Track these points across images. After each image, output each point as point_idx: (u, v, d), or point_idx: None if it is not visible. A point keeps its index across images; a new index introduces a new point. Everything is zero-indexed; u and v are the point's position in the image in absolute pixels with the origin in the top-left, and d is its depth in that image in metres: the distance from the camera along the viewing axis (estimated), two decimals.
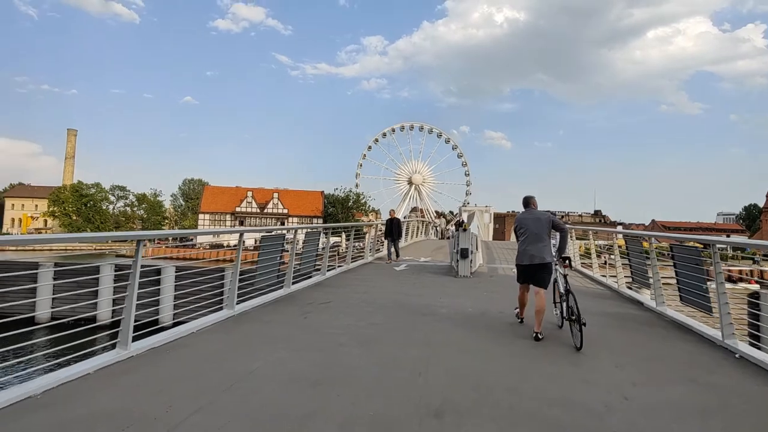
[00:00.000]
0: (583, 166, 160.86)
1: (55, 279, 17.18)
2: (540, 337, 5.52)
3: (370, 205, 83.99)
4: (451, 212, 79.58)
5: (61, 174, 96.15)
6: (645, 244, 8.56)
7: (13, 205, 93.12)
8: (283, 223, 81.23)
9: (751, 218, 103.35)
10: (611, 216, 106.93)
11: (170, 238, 63.14)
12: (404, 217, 53.19)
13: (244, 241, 6.96)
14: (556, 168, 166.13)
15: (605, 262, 12.22)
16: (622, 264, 9.42)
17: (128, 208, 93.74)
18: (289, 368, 4.24)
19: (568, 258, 6.00)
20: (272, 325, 5.97)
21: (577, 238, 13.97)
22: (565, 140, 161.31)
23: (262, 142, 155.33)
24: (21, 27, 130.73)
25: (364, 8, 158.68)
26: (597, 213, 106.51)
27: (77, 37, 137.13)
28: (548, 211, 6.13)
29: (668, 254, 7.04)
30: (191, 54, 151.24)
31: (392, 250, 14.43)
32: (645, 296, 8.20)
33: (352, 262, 12.80)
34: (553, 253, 5.97)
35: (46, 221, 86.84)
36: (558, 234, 6.03)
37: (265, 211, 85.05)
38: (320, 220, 78.83)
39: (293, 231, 10.59)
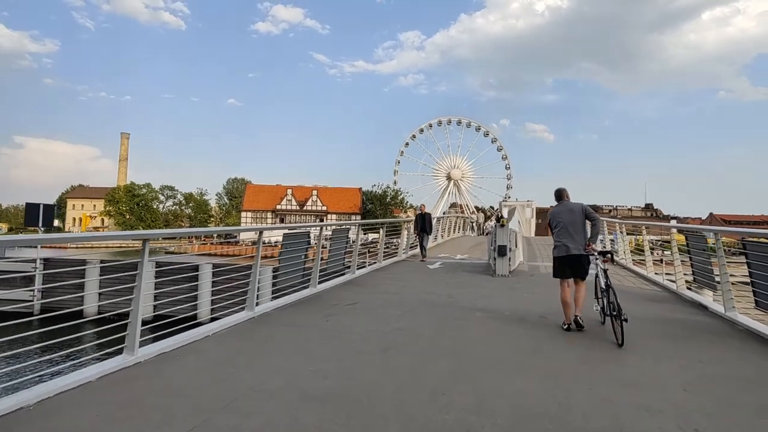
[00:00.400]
0: (632, 158, 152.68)
1: (101, 275, 17.80)
2: (581, 321, 5.55)
3: (407, 202, 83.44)
4: (491, 207, 77.40)
5: (116, 175, 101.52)
6: (709, 240, 7.59)
7: (74, 205, 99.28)
8: (321, 220, 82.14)
9: None
10: (664, 209, 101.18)
11: (215, 236, 65.25)
12: (444, 213, 52.41)
13: (270, 239, 6.64)
14: (602, 160, 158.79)
15: (661, 260, 11.14)
16: (681, 261, 8.44)
17: (177, 207, 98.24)
18: (299, 382, 3.82)
19: (609, 252, 5.84)
20: (291, 330, 5.59)
21: (627, 233, 12.87)
22: (612, 131, 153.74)
23: (302, 141, 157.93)
24: (80, 38, 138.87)
25: (401, 3, 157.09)
26: (648, 206, 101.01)
27: (129, 45, 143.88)
28: (581, 203, 6.05)
29: (738, 251, 6.16)
30: (234, 57, 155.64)
31: (425, 245, 13.84)
32: (708, 299, 7.24)
33: (384, 259, 12.34)
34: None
35: (103, 220, 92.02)
36: (590, 224, 5.88)
37: (305, 208, 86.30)
38: (358, 217, 79.00)
39: (320, 228, 10.27)
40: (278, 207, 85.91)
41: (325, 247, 8.79)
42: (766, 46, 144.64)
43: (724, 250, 6.36)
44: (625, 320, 4.85)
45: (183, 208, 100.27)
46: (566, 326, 5.65)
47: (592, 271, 5.75)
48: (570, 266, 5.81)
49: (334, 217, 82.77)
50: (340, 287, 8.48)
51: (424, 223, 13.59)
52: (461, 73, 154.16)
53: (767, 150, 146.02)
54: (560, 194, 6.15)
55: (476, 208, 77.93)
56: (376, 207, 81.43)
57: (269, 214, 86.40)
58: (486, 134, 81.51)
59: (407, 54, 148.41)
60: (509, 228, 10.18)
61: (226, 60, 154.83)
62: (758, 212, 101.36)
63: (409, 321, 5.97)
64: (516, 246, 11.61)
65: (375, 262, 11.84)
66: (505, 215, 11.16)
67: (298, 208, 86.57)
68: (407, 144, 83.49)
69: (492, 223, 21.71)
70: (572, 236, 5.78)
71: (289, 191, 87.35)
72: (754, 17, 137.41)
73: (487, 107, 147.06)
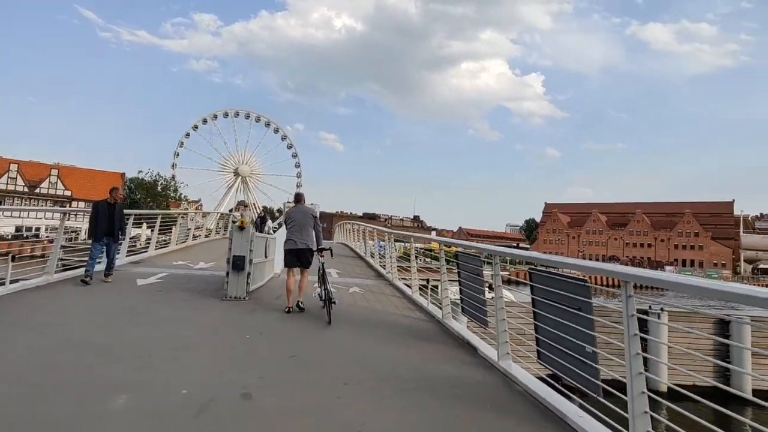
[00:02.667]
0: (406, 174, 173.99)
1: None
2: (302, 305, 6.67)
3: (183, 194, 73.22)
4: (265, 207, 74.09)
5: None
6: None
7: None
8: (63, 207, 64.73)
9: (530, 229, 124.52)
10: (427, 221, 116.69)
11: None
12: (229, 211, 46.44)
13: None
14: (382, 174, 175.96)
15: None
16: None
17: None
18: None
19: (323, 248, 6.94)
20: None
21: (395, 241, 11.80)
22: (392, 149, 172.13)
23: (54, 111, 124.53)
24: None
25: None
26: (416, 218, 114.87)
27: None
28: (312, 206, 7.61)
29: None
30: None
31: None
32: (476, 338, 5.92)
33: (60, 271, 8.05)
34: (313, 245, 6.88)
35: None
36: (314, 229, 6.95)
37: (38, 190, 66.93)
38: None
39: None
40: None
41: None
42: (501, 99, 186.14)
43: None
44: (334, 303, 6.19)
45: None
46: (287, 310, 6.59)
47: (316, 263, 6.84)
48: (297, 257, 6.85)
49: (82, 204, 66.31)
50: None
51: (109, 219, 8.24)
52: (259, 69, 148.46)
53: (496, 180, 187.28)
54: (298, 198, 7.39)
55: (264, 207, 73.67)
56: (143, 198, 68.51)
57: None
58: (276, 131, 77.77)
59: (201, 37, 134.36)
60: (252, 232, 7.43)
61: None
62: (490, 228, 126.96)
63: None
64: (267, 256, 8.97)
65: (42, 273, 7.49)
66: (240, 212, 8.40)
67: (27, 189, 66.49)
68: (188, 133, 73.04)
69: (269, 224, 18.83)
70: (301, 233, 6.85)
71: (15, 167, 66.44)
72: (494, 75, 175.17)
73: (284, 109, 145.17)
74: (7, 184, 65.31)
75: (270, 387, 3.66)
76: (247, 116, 75.86)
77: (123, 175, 75.70)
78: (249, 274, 7.29)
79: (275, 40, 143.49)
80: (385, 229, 12.58)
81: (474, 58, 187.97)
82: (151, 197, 68.50)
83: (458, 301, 6.32)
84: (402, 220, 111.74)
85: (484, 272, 5.51)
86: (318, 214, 7.08)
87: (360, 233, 17.76)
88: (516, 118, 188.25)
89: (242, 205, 26.78)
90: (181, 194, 73.40)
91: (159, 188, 70.78)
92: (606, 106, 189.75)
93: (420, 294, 8.52)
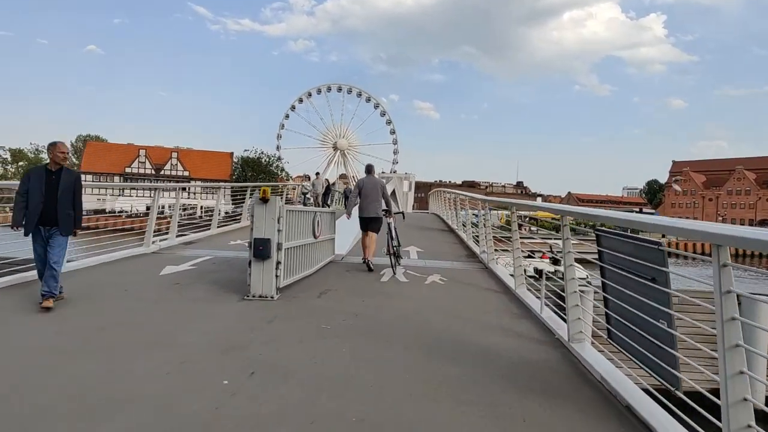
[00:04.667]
0: (507, 139, 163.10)
1: None
2: (371, 265, 7.41)
3: (283, 169, 75.91)
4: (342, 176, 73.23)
5: None
6: None
7: None
8: (184, 187, 71.17)
9: (652, 192, 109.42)
10: (532, 188, 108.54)
11: None
12: (333, 183, 46.50)
13: None
14: (481, 140, 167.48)
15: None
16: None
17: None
18: None
19: (388, 210, 7.90)
20: None
21: (492, 209, 9.04)
22: (490, 113, 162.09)
23: (174, 100, 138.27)
24: None
25: None
26: (519, 184, 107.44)
27: None
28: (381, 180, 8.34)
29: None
30: None
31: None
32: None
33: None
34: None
35: None
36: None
37: (162, 172, 74.27)
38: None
39: None
40: (128, 170, 72.69)
41: None
42: (612, 48, 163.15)
43: None
44: (400, 257, 7.71)
45: (7, 166, 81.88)
46: (364, 261, 7.47)
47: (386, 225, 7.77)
48: (367, 224, 7.67)
49: (199, 183, 72.29)
50: None
51: None
52: (352, 44, 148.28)
53: (611, 139, 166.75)
54: (369, 169, 8.25)
55: (305, 175, 73.56)
56: (249, 173, 72.28)
57: (117, 178, 72.90)
58: (376, 106, 76.53)
59: (297, 18, 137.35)
60: (280, 206, 5.31)
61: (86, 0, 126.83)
62: (604, 192, 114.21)
63: None
64: (317, 235, 6.87)
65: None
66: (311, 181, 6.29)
67: (153, 172, 74.19)
68: (293, 107, 75.18)
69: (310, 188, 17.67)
70: (371, 201, 7.65)
71: (143, 152, 74.35)
72: (603, 22, 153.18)
73: (378, 81, 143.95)
74: (138, 167, 73.33)
75: None
76: (339, 89, 75.56)
77: (231, 154, 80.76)
78: (278, 263, 5.23)
79: (366, 13, 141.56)
80: (477, 195, 9.81)
81: (579, 5, 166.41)
82: (258, 174, 72.04)
83: (602, 313, 3.61)
84: (504, 186, 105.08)
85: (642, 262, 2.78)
86: (385, 184, 8.05)
87: (451, 202, 15.06)
88: (631, 68, 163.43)
89: (306, 177, 26.22)
90: (285, 172, 76.15)
91: (263, 164, 74.31)
92: (747, 42, 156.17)
93: (528, 288, 5.79)
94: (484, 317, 4.91)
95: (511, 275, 6.34)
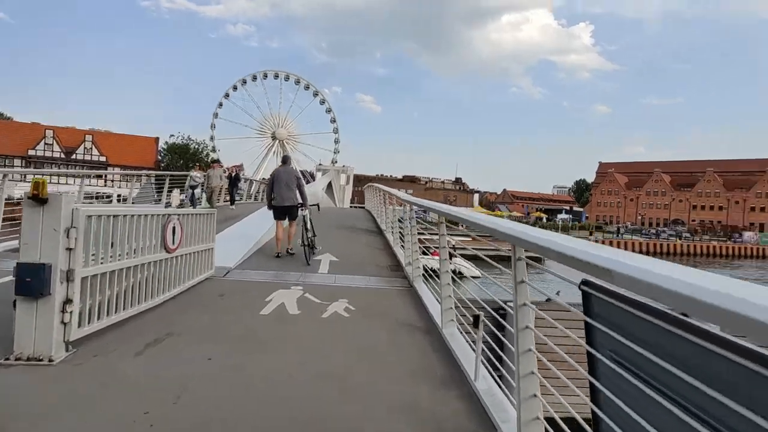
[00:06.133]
0: (447, 135, 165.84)
1: None
2: (290, 251, 7.92)
3: (216, 159, 70.69)
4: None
5: None
6: None
7: None
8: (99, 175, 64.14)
9: (580, 191, 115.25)
10: (470, 184, 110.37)
11: None
12: (239, 169, 43.19)
13: None
14: (422, 135, 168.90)
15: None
16: None
17: None
18: None
19: (303, 204, 7.98)
20: None
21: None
22: (431, 110, 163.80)
23: (100, 82, 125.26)
24: None
25: None
26: (458, 180, 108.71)
27: None
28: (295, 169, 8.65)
29: None
30: None
31: None
32: None
33: None
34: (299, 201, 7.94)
35: None
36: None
37: (74, 156, 66.62)
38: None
39: None
40: (31, 152, 64.48)
41: None
42: (545, 53, 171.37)
43: None
44: (315, 248, 7.86)
45: None
46: (277, 255, 7.72)
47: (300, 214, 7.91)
48: (283, 212, 7.88)
49: (117, 170, 65.56)
50: None
51: None
52: (293, 30, 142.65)
53: (544, 139, 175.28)
54: (285, 159, 8.50)
55: (301, 172, 70.21)
56: (179, 162, 66.46)
57: (19, 162, 64.39)
58: (315, 94, 72.84)
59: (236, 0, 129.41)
60: (74, 209, 3.27)
61: None
62: (536, 191, 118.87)
63: None
64: (176, 244, 4.82)
65: None
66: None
67: (64, 155, 66.37)
68: (227, 95, 69.72)
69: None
70: (287, 192, 7.83)
71: (50, 133, 66.23)
72: (538, 27, 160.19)
73: (321, 71, 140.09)
74: (44, 150, 65.27)
75: None
76: (276, 76, 71.42)
77: (157, 139, 74.35)
78: (68, 302, 3.19)
79: None
80: (402, 195, 8.15)
81: (516, 9, 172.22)
82: (188, 162, 66.44)
83: None
84: (443, 182, 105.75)
85: None
86: (300, 175, 8.47)
87: (382, 198, 13.38)
88: (561, 73, 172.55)
89: (217, 163, 20.40)
90: (218, 161, 70.93)
91: (191, 151, 68.75)
92: (665, 56, 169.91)
93: (458, 327, 4.17)
94: (393, 387, 3.19)
95: (438, 300, 4.71)
